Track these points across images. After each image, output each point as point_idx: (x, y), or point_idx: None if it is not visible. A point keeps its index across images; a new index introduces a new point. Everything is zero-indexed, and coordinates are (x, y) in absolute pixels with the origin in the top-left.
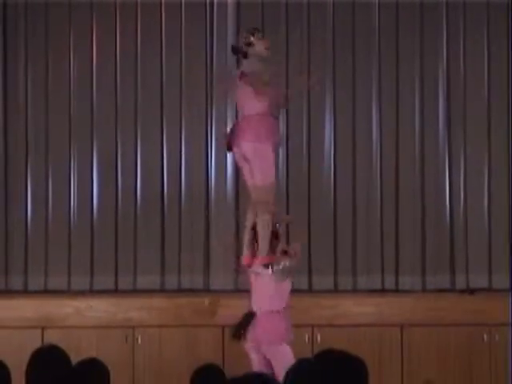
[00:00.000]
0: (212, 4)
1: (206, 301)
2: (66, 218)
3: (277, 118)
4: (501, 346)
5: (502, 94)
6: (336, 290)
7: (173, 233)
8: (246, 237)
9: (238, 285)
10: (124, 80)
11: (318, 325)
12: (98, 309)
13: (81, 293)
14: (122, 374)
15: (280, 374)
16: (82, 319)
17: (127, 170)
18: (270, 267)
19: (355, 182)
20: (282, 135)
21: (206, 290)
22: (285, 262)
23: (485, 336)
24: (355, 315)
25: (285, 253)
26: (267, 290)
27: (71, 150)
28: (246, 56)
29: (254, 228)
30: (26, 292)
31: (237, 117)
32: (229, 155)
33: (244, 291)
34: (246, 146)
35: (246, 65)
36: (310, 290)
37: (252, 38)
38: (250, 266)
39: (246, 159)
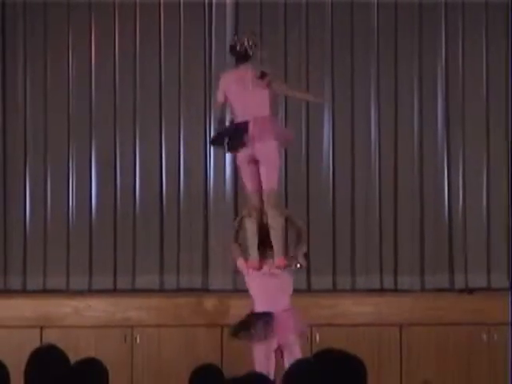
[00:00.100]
0: (210, 4)
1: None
2: (65, 217)
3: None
4: (500, 346)
5: (500, 94)
6: (335, 290)
7: (172, 233)
8: (252, 241)
9: (236, 285)
10: (123, 80)
11: (316, 324)
12: (97, 308)
13: (79, 292)
14: (120, 374)
15: None
16: (80, 319)
17: (126, 170)
18: (290, 267)
19: (354, 181)
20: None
21: (205, 290)
22: (299, 262)
23: (484, 335)
24: (354, 315)
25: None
26: (288, 288)
27: (70, 149)
28: (248, 58)
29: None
30: (24, 292)
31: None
32: (227, 155)
33: (242, 291)
34: (266, 146)
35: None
36: (309, 290)
37: (255, 42)
38: (260, 268)
39: (253, 161)
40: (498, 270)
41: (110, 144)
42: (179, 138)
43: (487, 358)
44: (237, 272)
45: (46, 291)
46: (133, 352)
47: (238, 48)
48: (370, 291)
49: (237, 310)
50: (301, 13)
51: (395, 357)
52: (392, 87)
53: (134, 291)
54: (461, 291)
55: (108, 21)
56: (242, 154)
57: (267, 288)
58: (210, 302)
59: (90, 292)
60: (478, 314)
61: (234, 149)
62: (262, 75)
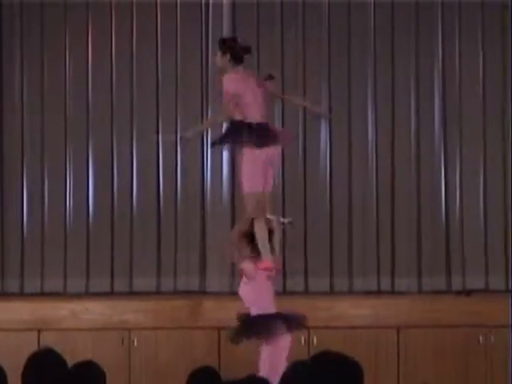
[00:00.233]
0: (207, 4)
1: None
2: (62, 219)
3: None
4: (497, 348)
5: (497, 94)
6: (332, 292)
7: (169, 234)
8: (265, 241)
9: (234, 287)
10: (120, 80)
11: (314, 327)
12: (94, 311)
13: (77, 295)
14: (118, 377)
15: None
16: (77, 322)
17: (123, 171)
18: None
19: (351, 182)
20: None
21: (202, 292)
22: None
23: (481, 338)
24: (351, 317)
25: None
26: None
27: (67, 150)
28: (242, 60)
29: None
30: (22, 294)
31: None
32: (224, 155)
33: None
34: (279, 148)
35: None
36: (306, 292)
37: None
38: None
39: (270, 164)
40: (496, 272)
41: (106, 144)
42: (176, 138)
43: (484, 360)
44: (234, 274)
45: (43, 294)
46: (130, 355)
47: (237, 50)
48: (368, 293)
49: (234, 313)
50: (297, 13)
51: (393, 359)
52: (389, 87)
53: (131, 294)
54: (458, 293)
55: (105, 21)
56: (264, 153)
57: (270, 291)
58: (207, 305)
59: (87, 295)
60: (476, 315)
61: (263, 146)
62: (269, 77)
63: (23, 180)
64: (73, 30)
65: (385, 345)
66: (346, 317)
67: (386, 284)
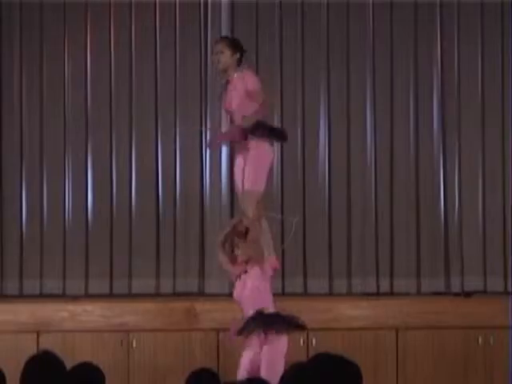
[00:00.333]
0: (206, 4)
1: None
2: (61, 222)
3: None
4: (496, 349)
5: (496, 96)
6: (331, 294)
7: (168, 237)
8: (269, 240)
9: (233, 289)
10: (118, 81)
11: (312, 328)
12: (93, 313)
13: (76, 297)
14: (117, 378)
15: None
16: (77, 323)
17: (122, 174)
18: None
19: (350, 184)
20: None
21: (201, 294)
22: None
23: (480, 339)
24: (350, 318)
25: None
26: None
27: (66, 153)
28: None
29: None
30: (21, 296)
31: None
32: (223, 158)
33: None
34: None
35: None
36: (305, 293)
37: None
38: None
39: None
40: (495, 274)
41: (105, 148)
42: (175, 141)
43: (483, 362)
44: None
45: (42, 296)
46: (129, 356)
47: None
48: (366, 295)
49: (233, 315)
50: (296, 13)
51: (391, 360)
52: (387, 88)
53: (130, 296)
54: (457, 295)
55: (104, 22)
56: (272, 151)
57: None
58: (206, 307)
59: (86, 296)
60: (474, 317)
61: (285, 139)
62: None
63: (22, 182)
64: (72, 32)
65: (384, 346)
66: (345, 318)
67: (384, 285)
